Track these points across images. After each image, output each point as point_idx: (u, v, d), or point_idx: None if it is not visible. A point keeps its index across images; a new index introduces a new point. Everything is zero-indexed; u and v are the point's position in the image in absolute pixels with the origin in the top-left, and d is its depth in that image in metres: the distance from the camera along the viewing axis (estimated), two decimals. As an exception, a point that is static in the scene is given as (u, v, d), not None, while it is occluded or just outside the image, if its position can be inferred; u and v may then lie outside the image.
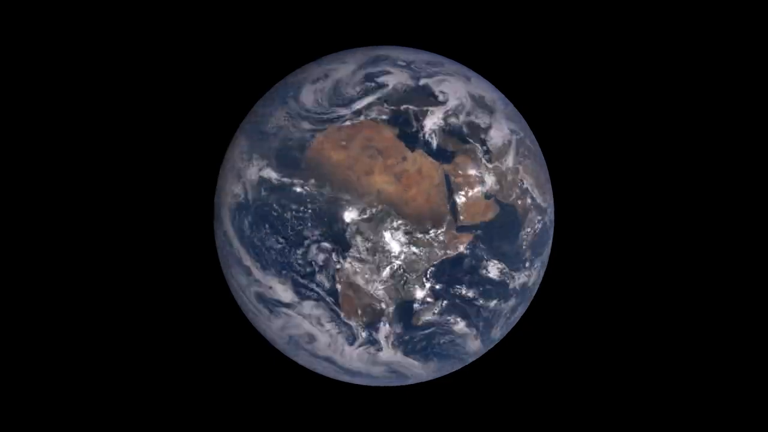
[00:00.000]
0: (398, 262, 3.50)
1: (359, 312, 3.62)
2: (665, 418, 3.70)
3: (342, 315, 3.63)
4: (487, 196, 3.64)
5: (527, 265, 3.86)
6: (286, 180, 3.56)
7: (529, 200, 3.82)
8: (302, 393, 4.47)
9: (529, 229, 3.82)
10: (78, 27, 4.13)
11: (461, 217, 3.57)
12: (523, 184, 3.78)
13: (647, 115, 4.06)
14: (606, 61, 4.25)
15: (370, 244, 3.47)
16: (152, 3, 4.27)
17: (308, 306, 3.64)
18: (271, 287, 3.68)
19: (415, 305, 3.60)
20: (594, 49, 4.47)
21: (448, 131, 3.60)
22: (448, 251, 3.56)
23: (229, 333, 4.45)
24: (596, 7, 4.46)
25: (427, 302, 3.61)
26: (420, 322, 3.66)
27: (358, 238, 3.48)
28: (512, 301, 3.86)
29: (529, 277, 3.91)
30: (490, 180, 3.65)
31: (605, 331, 3.93)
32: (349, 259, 3.51)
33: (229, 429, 4.37)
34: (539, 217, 3.88)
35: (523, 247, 3.80)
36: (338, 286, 3.56)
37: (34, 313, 3.84)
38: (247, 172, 3.70)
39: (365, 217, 3.45)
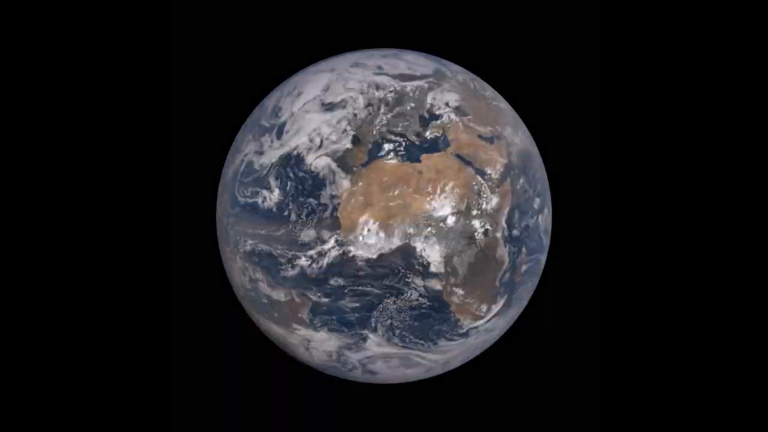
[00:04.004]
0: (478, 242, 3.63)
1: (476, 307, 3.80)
2: (665, 419, 3.85)
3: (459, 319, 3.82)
4: (491, 140, 3.77)
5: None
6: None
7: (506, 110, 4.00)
8: (303, 392, 4.57)
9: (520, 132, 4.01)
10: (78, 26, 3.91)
11: (493, 174, 3.69)
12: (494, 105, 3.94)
13: (646, 111, 3.98)
14: (603, 57, 4.14)
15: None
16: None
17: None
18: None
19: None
20: (592, 47, 4.49)
21: (426, 123, 3.63)
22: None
23: (229, 332, 4.52)
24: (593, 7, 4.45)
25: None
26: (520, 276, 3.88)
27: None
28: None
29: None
30: (486, 130, 3.76)
31: (606, 329, 4.01)
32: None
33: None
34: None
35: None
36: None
37: (34, 313, 3.76)
38: None
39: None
